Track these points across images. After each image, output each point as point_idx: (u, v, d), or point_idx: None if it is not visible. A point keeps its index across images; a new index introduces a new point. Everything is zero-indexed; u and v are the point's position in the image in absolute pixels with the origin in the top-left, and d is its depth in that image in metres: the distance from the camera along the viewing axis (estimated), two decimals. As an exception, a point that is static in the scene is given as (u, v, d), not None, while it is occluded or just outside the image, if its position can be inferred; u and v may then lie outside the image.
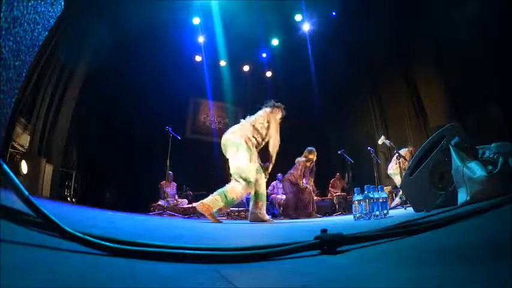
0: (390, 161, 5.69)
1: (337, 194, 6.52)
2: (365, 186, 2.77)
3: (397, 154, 5.02)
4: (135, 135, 6.66)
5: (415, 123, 6.19)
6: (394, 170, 5.39)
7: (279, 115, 3.51)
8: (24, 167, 3.74)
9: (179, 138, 5.20)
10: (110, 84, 6.22)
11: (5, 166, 0.61)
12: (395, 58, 6.54)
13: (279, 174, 6.50)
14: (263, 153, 3.47)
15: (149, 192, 6.06)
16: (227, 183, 3.16)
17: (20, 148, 3.83)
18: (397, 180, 5.31)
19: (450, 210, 1.85)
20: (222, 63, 7.83)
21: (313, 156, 5.48)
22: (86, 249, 0.60)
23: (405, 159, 5.01)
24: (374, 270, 0.61)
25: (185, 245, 0.67)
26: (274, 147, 3.35)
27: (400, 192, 5.26)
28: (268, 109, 3.48)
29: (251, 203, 3.28)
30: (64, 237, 0.61)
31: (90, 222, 1.74)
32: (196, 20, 6.92)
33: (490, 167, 1.97)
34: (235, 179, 3.09)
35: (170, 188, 5.97)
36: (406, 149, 5.29)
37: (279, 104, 3.56)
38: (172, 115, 6.90)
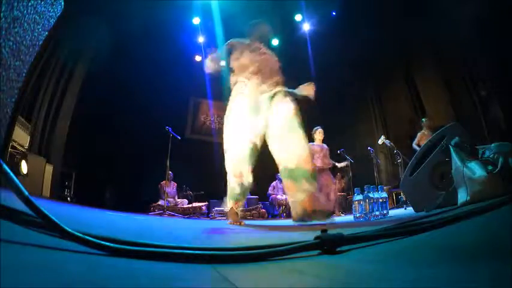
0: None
1: (337, 194, 6.51)
2: (365, 186, 2.77)
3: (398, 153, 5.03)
4: (135, 135, 6.65)
5: (415, 123, 6.19)
6: None
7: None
8: (24, 167, 3.73)
9: (179, 138, 5.20)
10: (110, 84, 6.21)
11: (5, 166, 0.61)
12: (395, 58, 6.54)
13: (279, 174, 6.48)
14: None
15: (149, 192, 6.06)
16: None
17: (20, 148, 3.82)
18: None
19: (450, 210, 1.85)
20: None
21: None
22: (86, 249, 0.60)
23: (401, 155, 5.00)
24: (374, 270, 0.61)
25: (185, 245, 0.67)
26: None
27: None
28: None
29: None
30: (64, 237, 0.61)
31: (90, 222, 1.74)
32: (196, 20, 6.91)
33: (490, 167, 1.97)
34: None
35: (170, 188, 5.97)
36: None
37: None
38: (172, 115, 6.90)
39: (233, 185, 2.31)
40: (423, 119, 5.40)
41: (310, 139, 5.50)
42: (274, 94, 2.36)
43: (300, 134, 2.24)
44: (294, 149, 2.16)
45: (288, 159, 2.18)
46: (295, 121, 2.24)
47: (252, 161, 2.31)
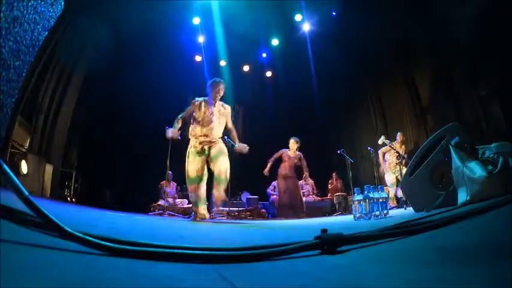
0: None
1: (337, 194, 6.52)
2: (365, 186, 2.77)
3: (397, 154, 5.03)
4: (135, 135, 6.65)
5: (415, 123, 6.18)
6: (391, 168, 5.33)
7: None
8: (24, 167, 3.73)
9: (179, 138, 5.19)
10: (110, 84, 6.21)
11: (5, 166, 0.61)
12: (395, 58, 6.54)
13: None
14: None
15: (149, 192, 6.06)
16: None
17: (20, 148, 3.83)
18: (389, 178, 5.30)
19: (450, 210, 1.85)
20: (222, 63, 7.83)
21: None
22: (86, 249, 0.60)
23: (404, 157, 5.00)
24: (374, 270, 0.61)
25: (185, 245, 0.67)
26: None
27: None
28: (225, 107, 3.59)
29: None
30: (64, 237, 0.61)
31: (90, 222, 1.74)
32: (196, 20, 6.91)
33: (490, 167, 1.97)
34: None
35: (170, 188, 5.97)
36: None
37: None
38: (173, 115, 6.89)
39: (193, 175, 3.33)
40: (398, 133, 5.46)
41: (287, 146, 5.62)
42: (213, 144, 3.43)
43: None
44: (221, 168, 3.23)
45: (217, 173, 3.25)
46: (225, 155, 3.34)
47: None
